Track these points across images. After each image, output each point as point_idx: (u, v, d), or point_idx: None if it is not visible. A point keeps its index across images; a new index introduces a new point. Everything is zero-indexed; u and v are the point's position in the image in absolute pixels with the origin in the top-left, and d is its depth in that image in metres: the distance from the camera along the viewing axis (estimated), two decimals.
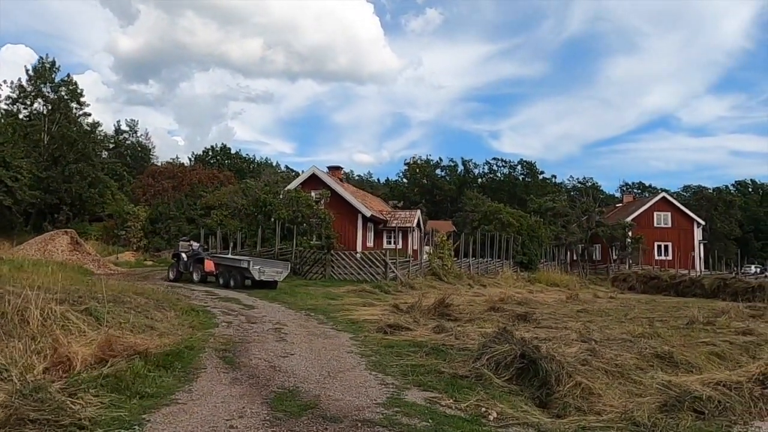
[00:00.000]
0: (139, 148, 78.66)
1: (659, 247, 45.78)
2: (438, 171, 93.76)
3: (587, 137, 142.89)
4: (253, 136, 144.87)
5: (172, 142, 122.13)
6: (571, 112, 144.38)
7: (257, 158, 79.59)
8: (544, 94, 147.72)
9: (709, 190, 76.09)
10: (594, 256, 45.66)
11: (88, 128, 43.87)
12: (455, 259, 26.08)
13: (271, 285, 17.47)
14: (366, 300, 15.55)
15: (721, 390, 7.13)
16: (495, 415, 5.91)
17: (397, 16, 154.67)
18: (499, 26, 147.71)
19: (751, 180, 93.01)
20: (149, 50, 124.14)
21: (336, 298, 15.97)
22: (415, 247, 32.52)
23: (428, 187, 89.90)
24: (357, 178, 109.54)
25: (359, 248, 28.91)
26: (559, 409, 6.59)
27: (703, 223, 47.46)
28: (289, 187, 29.90)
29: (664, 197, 47.93)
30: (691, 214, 47.08)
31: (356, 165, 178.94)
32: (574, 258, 42.48)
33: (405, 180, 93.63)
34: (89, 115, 45.06)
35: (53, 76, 42.02)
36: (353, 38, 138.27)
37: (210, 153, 69.89)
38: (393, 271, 21.32)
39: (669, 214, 46.53)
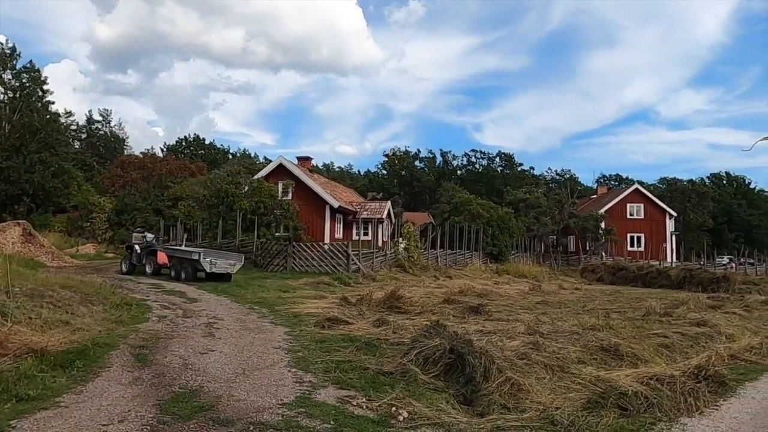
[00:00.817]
0: (112, 139, 77.04)
1: (632, 238, 46.02)
2: (417, 163, 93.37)
3: (568, 130, 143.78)
4: (235, 127, 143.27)
5: (151, 132, 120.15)
6: (552, 104, 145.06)
7: (237, 149, 78.71)
8: (525, 87, 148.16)
9: (683, 182, 76.86)
10: (568, 248, 45.77)
11: (52, 117, 42.55)
12: (423, 250, 25.77)
13: (225, 278, 16.97)
14: (320, 293, 15.15)
15: (653, 385, 6.88)
16: (405, 415, 5.56)
17: (380, 8, 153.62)
18: (482, 19, 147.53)
19: (725, 173, 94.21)
20: (128, 39, 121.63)
21: (289, 291, 15.54)
22: (386, 239, 32.15)
23: (407, 179, 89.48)
24: (337, 169, 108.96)
25: (327, 239, 28.46)
26: (483, 407, 6.28)
27: (674, 214, 47.81)
28: (255, 177, 29.29)
29: (636, 189, 48.15)
30: (664, 206, 47.37)
31: (339, 157, 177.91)
32: (550, 249, 42.53)
33: (384, 171, 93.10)
34: (53, 103, 43.80)
35: (14, 62, 40.66)
36: (336, 29, 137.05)
37: (183, 143, 68.69)
38: (355, 263, 20.91)
39: (642, 205, 46.76)
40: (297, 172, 29.79)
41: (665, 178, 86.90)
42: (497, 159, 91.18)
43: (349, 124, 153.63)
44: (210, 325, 9.73)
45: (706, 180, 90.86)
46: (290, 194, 29.47)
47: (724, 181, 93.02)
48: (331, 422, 5.20)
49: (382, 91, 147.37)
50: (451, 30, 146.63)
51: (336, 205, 29.09)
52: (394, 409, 5.65)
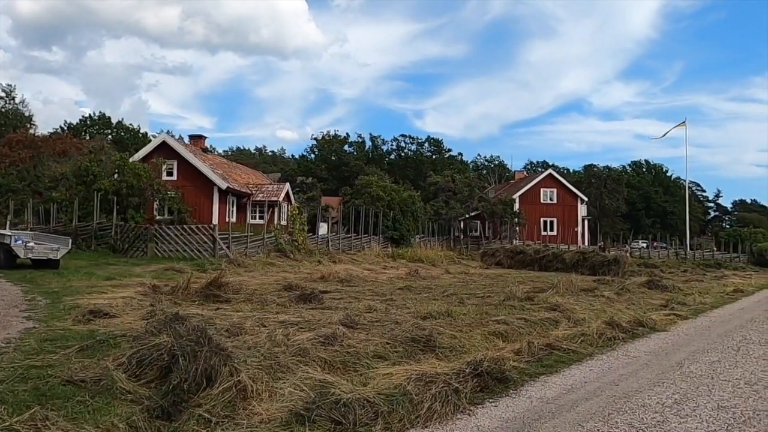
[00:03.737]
0: (13, 117, 71.16)
1: (545, 222, 46.30)
2: (347, 147, 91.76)
3: (507, 118, 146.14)
4: (170, 109, 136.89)
5: (80, 113, 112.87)
6: (492, 93, 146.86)
7: (160, 130, 74.32)
8: (466, 75, 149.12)
9: (600, 168, 78.74)
10: (485, 232, 45.55)
11: None
12: (311, 234, 24.37)
13: (52, 264, 14.96)
14: (146, 281, 13.40)
15: (404, 388, 5.72)
16: None
17: None
18: (424, 5, 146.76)
19: (645, 160, 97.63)
20: (53, 14, 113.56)
21: (116, 279, 13.76)
22: (283, 222, 30.54)
23: (336, 164, 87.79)
24: (270, 153, 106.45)
25: (215, 223, 26.59)
26: (181, 423, 4.93)
27: (586, 199, 48.48)
28: (135, 156, 27.02)
29: (550, 174, 48.50)
30: (576, 191, 47.91)
31: (279, 141, 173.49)
32: (460, 234, 42.05)
33: (312, 156, 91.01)
34: None
35: None
36: (276, 11, 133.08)
37: (87, 122, 64.07)
38: (222, 248, 19.24)
39: (555, 190, 47.09)
40: (182, 150, 27.64)
41: (590, 165, 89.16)
42: (426, 144, 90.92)
43: (290, 109, 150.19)
44: None
45: (627, 167, 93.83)
46: (175, 174, 27.42)
47: (644, 169, 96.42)
48: None
49: (324, 76, 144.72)
50: (393, 15, 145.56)
51: (224, 186, 27.20)
52: None
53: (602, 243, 39.70)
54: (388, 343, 8.03)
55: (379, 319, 9.96)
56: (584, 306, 13.19)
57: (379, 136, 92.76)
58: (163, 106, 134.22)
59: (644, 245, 51.53)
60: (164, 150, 27.56)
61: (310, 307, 10.88)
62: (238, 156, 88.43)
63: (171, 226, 20.08)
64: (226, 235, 19.84)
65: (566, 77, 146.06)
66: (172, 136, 33.82)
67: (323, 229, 33.17)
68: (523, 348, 8.04)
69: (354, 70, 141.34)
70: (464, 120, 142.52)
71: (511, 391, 6.19)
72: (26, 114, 73.66)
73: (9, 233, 14.93)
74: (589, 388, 6.46)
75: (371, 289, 14.75)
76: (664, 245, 48.63)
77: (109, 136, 62.95)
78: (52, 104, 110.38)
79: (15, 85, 75.95)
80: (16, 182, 33.20)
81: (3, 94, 71.98)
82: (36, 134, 52.40)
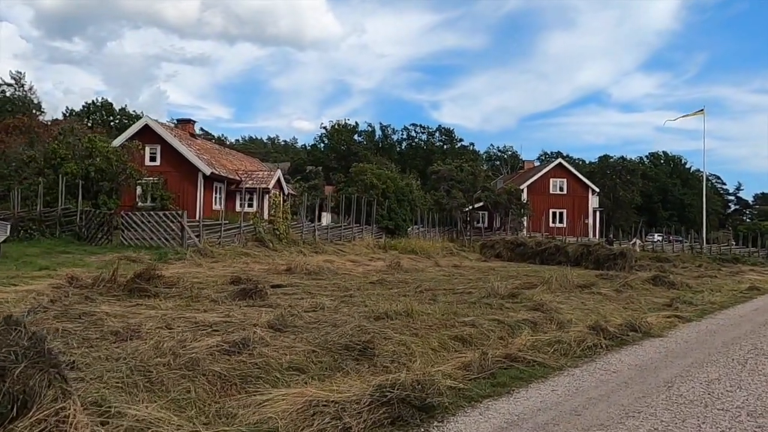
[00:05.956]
0: (21, 103, 70.88)
1: (554, 214, 44.42)
2: (356, 136, 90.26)
3: (524, 110, 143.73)
4: (188, 99, 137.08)
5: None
6: (510, 85, 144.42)
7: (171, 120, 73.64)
8: (483, 67, 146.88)
9: (620, 159, 76.17)
10: (494, 223, 43.81)
11: None
12: (295, 223, 23.00)
13: None
14: (85, 272, 12.13)
15: (278, 423, 4.28)
16: None
17: None
18: None
19: (663, 152, 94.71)
20: (74, 5, 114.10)
21: (53, 269, 12.53)
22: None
23: (345, 153, 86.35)
24: (282, 143, 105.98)
25: (199, 210, 25.40)
26: None
27: (597, 190, 46.45)
28: (116, 140, 25.87)
29: (560, 163, 46.54)
30: (587, 181, 45.91)
31: (296, 132, 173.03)
32: (462, 225, 40.38)
33: (321, 145, 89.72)
34: None
35: None
36: (294, 2, 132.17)
37: (90, 108, 63.33)
38: (190, 237, 17.93)
39: (565, 180, 45.15)
40: (165, 134, 26.38)
41: (603, 156, 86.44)
42: (437, 134, 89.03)
43: (306, 100, 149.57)
44: None
45: (645, 159, 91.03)
46: (158, 159, 26.25)
47: (662, 161, 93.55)
48: None
49: (341, 67, 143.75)
50: (410, 6, 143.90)
51: (208, 171, 25.91)
52: None
53: (612, 235, 37.74)
54: (314, 351, 6.63)
55: (319, 320, 8.52)
56: (574, 305, 11.74)
57: (389, 125, 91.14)
58: (181, 97, 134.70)
59: (659, 238, 49.48)
60: (147, 134, 26.31)
61: (247, 305, 9.45)
62: (250, 145, 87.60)
63: (137, 213, 18.81)
64: (195, 223, 18.53)
65: (585, 69, 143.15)
66: (193, 122, 32.74)
67: (327, 218, 31.83)
68: (473, 360, 6.54)
69: (371, 61, 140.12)
70: (481, 112, 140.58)
71: (434, 425, 4.71)
72: (35, 101, 73.49)
73: None
74: (539, 419, 4.94)
75: (337, 283, 13.32)
76: (680, 239, 46.64)
77: (112, 123, 62.31)
78: (73, 94, 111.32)
79: (24, 72, 75.83)
80: (4, 166, 32.23)
81: (12, 81, 71.80)
82: (40, 121, 51.76)
